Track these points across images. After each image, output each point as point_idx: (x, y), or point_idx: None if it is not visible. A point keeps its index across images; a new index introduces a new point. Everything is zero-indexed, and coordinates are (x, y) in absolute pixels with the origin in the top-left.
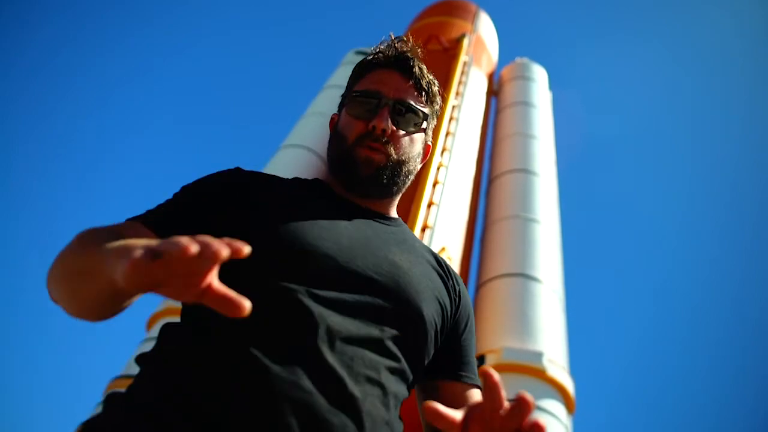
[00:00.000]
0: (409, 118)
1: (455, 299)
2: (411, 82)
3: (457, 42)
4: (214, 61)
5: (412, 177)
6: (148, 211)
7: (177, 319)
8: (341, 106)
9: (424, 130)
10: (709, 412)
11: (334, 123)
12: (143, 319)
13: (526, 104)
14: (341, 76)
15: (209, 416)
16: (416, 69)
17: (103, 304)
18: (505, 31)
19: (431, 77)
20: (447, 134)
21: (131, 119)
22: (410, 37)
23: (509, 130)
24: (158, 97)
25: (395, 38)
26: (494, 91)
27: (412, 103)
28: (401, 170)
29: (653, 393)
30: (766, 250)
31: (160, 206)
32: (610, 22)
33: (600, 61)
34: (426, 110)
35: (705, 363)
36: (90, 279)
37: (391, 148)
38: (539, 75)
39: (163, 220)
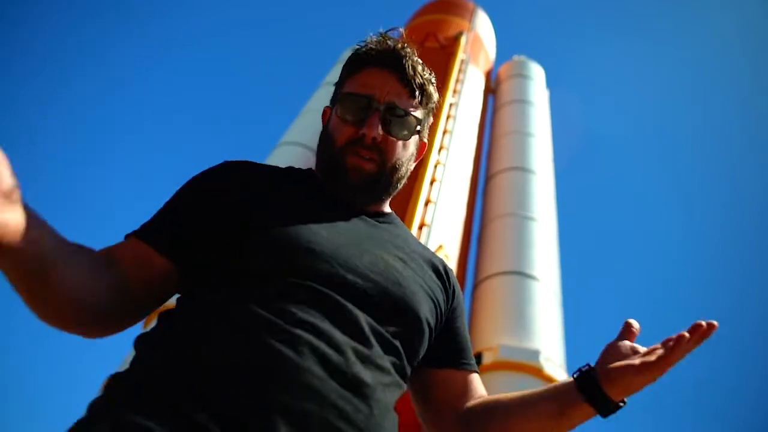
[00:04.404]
0: (401, 123)
1: (450, 293)
2: (404, 84)
3: (455, 40)
4: (211, 59)
5: (404, 180)
6: (144, 224)
7: None
8: (333, 100)
9: (418, 133)
10: (708, 409)
11: (326, 117)
12: None
13: (523, 102)
14: (339, 73)
15: (219, 401)
16: (409, 69)
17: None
18: (503, 29)
19: (426, 75)
20: (444, 132)
21: (129, 118)
22: (404, 33)
23: (506, 128)
24: (156, 96)
25: (387, 34)
26: (492, 89)
27: (404, 107)
28: (392, 177)
29: (651, 390)
30: (766, 246)
31: (155, 217)
32: (608, 20)
33: (598, 59)
34: (419, 114)
35: (703, 361)
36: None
37: (382, 156)
38: (537, 73)
39: (159, 230)
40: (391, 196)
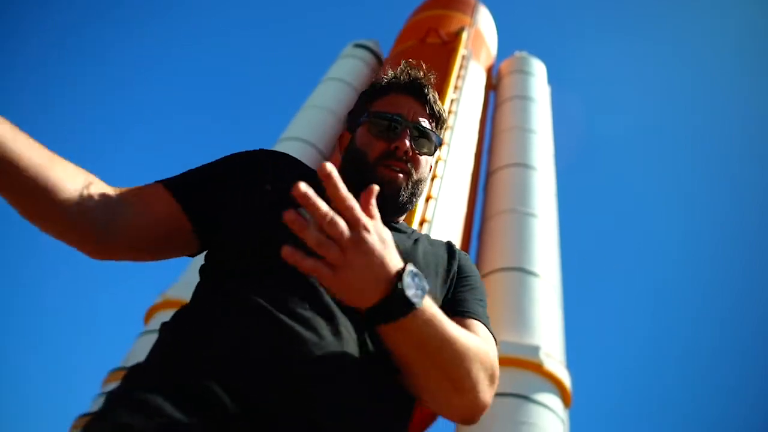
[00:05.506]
0: (424, 142)
1: (455, 269)
2: (426, 109)
3: (456, 35)
4: (213, 56)
5: (420, 197)
6: (174, 176)
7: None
8: (353, 125)
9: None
10: (705, 405)
11: (347, 141)
12: (141, 313)
13: (524, 98)
14: (340, 68)
15: (227, 375)
16: (430, 96)
17: None
18: (504, 25)
19: (441, 105)
20: (445, 128)
21: (129, 118)
22: (423, 65)
23: (508, 124)
24: (156, 96)
25: (408, 65)
26: (493, 85)
27: (428, 128)
28: (418, 190)
29: (650, 386)
30: (766, 246)
31: (185, 173)
32: (610, 16)
33: (600, 56)
34: (439, 136)
35: (702, 357)
36: None
37: (411, 168)
38: (538, 69)
39: (181, 186)
40: (407, 213)
